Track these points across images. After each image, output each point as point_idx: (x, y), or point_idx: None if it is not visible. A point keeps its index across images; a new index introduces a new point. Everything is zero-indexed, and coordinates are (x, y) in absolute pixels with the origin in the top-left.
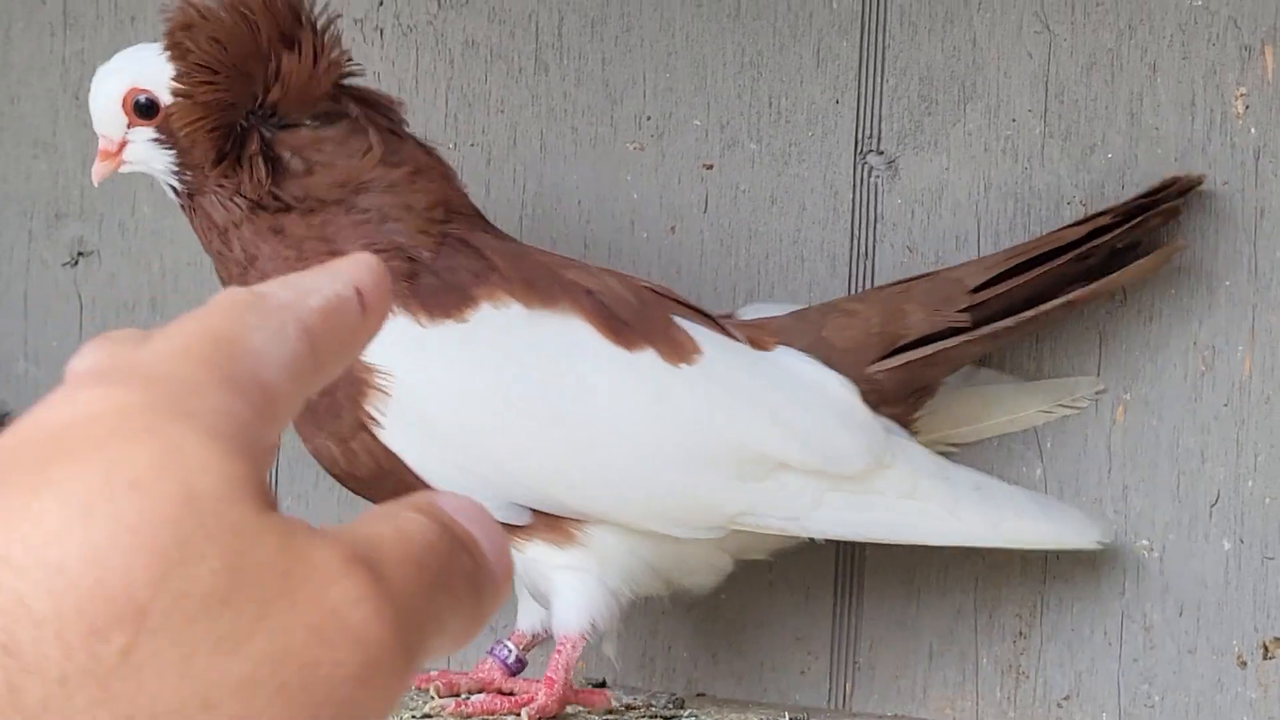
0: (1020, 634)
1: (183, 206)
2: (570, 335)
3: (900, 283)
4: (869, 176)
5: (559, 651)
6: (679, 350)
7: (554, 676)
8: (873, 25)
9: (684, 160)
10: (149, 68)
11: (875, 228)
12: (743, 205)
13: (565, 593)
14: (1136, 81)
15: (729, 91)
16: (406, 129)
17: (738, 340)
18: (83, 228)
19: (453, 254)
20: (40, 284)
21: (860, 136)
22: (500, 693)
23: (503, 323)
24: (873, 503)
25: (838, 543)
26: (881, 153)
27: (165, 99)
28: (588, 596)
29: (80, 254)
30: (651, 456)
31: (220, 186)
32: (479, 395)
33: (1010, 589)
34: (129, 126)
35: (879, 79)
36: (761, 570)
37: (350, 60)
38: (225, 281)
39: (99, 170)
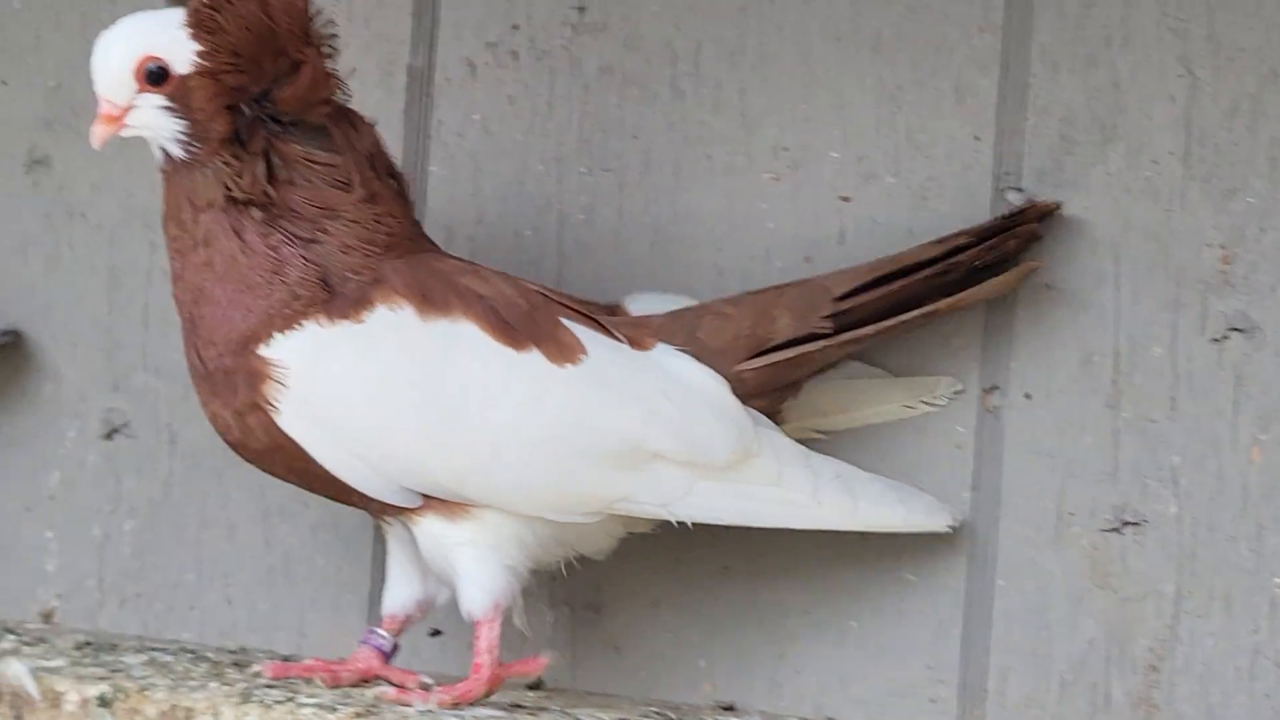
0: (1152, 667)
1: (166, 173)
2: (460, 336)
3: (773, 288)
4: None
5: (478, 636)
6: (564, 351)
7: (480, 661)
8: (1013, 63)
9: (820, 191)
10: (162, 36)
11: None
12: (879, 238)
13: (468, 573)
14: (1278, 127)
15: (867, 124)
16: (385, 151)
17: (619, 341)
18: None
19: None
20: (161, 296)
21: (999, 172)
22: (392, 683)
23: (395, 323)
24: (740, 490)
25: (969, 566)
26: (1021, 190)
27: (177, 68)
28: (489, 574)
29: None
30: (533, 450)
31: (224, 164)
32: (371, 389)
33: (1142, 622)
34: (138, 92)
35: (1019, 116)
36: (892, 598)
37: (341, 79)
38: (172, 256)
39: (100, 133)
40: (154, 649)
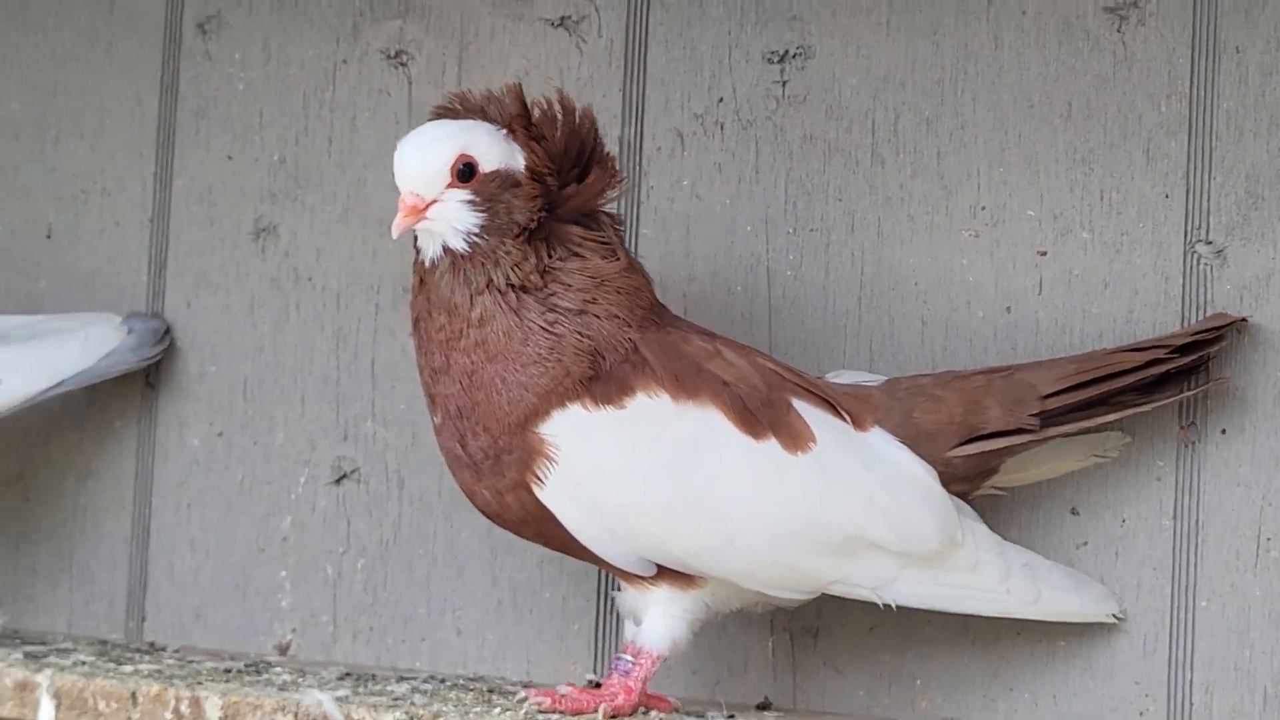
0: None
1: (431, 267)
2: (708, 425)
3: (979, 375)
4: (1198, 264)
5: (639, 665)
6: (796, 439)
7: (632, 686)
8: (1200, 128)
9: (1018, 247)
10: (477, 138)
11: (1204, 311)
12: (1076, 289)
13: (658, 619)
14: None
15: (1061, 185)
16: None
17: (844, 421)
18: None
19: (626, 356)
20: (387, 352)
21: (1189, 227)
22: (657, 709)
23: (653, 411)
24: (940, 577)
25: (1172, 589)
26: (1210, 243)
27: (484, 167)
28: (674, 624)
29: None
30: (765, 536)
31: (508, 254)
32: (627, 469)
33: None
34: (446, 187)
35: (1207, 176)
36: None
37: (622, 183)
38: (432, 351)
39: (402, 224)
40: (407, 678)
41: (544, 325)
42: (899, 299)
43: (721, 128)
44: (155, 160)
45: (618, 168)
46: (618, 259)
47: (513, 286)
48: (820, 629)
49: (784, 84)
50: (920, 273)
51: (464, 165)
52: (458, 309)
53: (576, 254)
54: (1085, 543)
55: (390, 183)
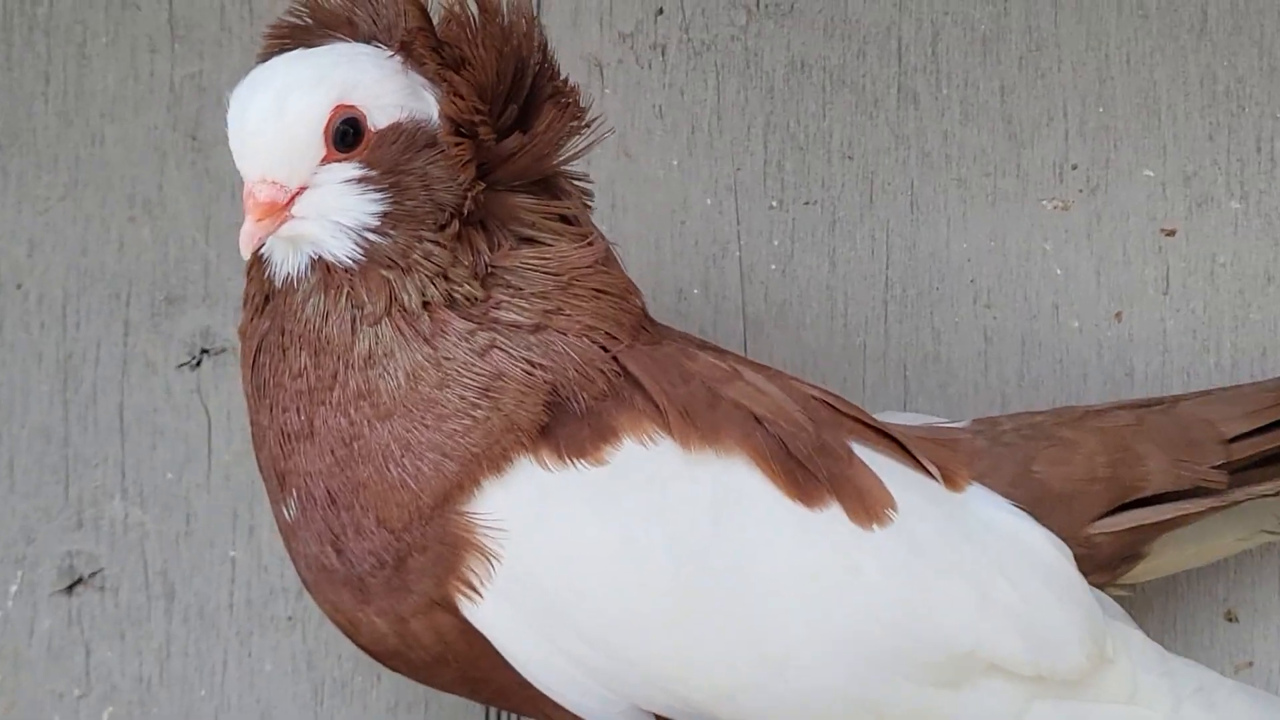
0: None
1: (302, 281)
2: (735, 485)
3: (1122, 410)
4: None
5: None
6: (868, 504)
7: None
8: None
9: (1131, 223)
10: (360, 75)
11: None
12: (1223, 284)
13: None
14: None
15: (1195, 131)
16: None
17: (929, 475)
18: (208, 315)
19: (607, 386)
20: (143, 393)
21: None
22: None
23: (650, 465)
24: (1083, 711)
25: None
26: None
27: (378, 120)
28: None
29: (205, 351)
30: (836, 657)
31: (428, 256)
32: (613, 563)
33: None
34: (322, 162)
35: None
36: None
37: (589, 124)
38: (284, 408)
39: (254, 232)
40: None
41: (471, 355)
42: (946, 303)
43: (662, 53)
44: None
45: (580, 98)
46: (589, 243)
47: (428, 305)
48: None
49: None
50: (979, 264)
51: (345, 123)
52: (330, 345)
53: (530, 239)
54: (1250, 662)
55: (148, 136)
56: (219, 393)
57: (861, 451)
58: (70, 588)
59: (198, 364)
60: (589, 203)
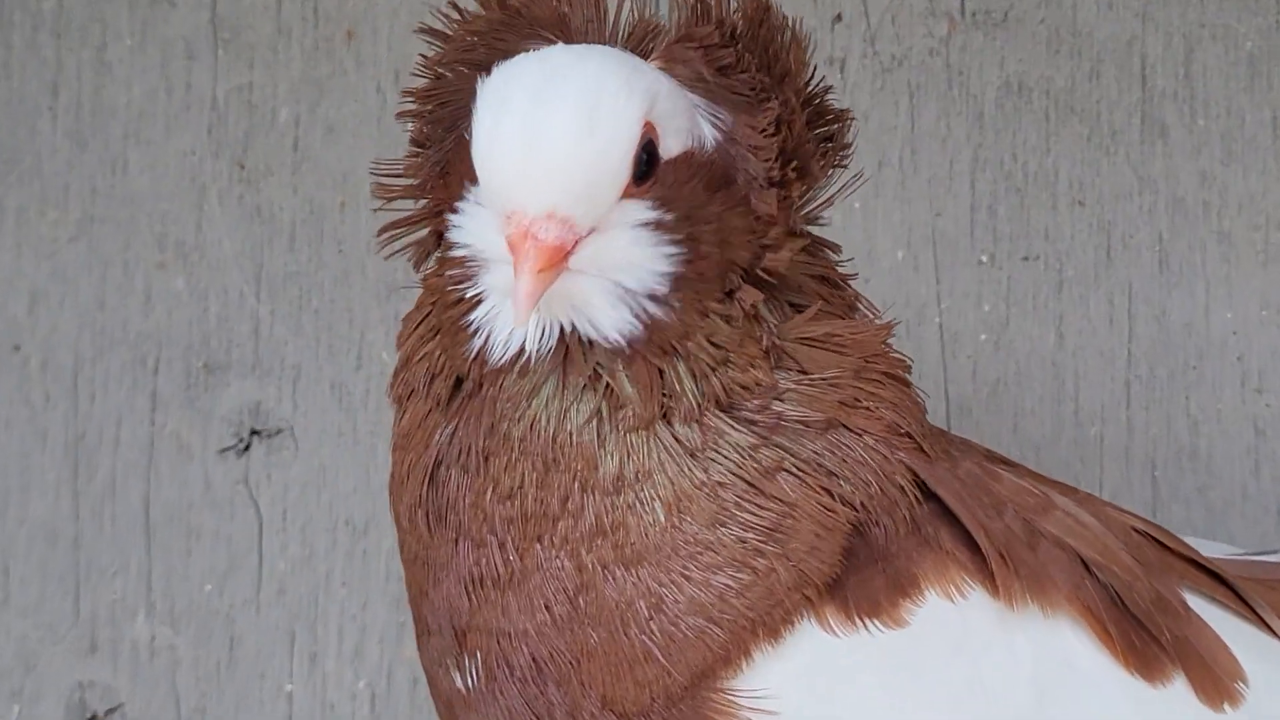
0: None
1: (571, 360)
2: (1064, 655)
3: None
4: None
5: None
6: (1215, 675)
7: None
8: None
9: None
10: (658, 86)
11: None
12: None
13: None
14: None
15: None
16: None
17: (1275, 637)
18: (258, 388)
19: (907, 514)
20: (176, 484)
21: None
22: None
23: (959, 629)
24: None
25: None
26: None
27: (669, 147)
28: None
29: (255, 433)
30: None
31: (708, 342)
32: None
33: None
34: (621, 198)
35: None
36: None
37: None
38: (466, 500)
39: (536, 289)
40: None
41: (756, 479)
42: (1206, 385)
43: (841, 68)
44: None
45: (849, 130)
46: (857, 310)
47: (703, 404)
48: None
49: None
50: (1247, 337)
51: (646, 145)
52: (564, 456)
53: (795, 305)
54: None
55: (185, 164)
56: (271, 485)
57: (1195, 603)
58: None
59: (246, 449)
60: (840, 259)
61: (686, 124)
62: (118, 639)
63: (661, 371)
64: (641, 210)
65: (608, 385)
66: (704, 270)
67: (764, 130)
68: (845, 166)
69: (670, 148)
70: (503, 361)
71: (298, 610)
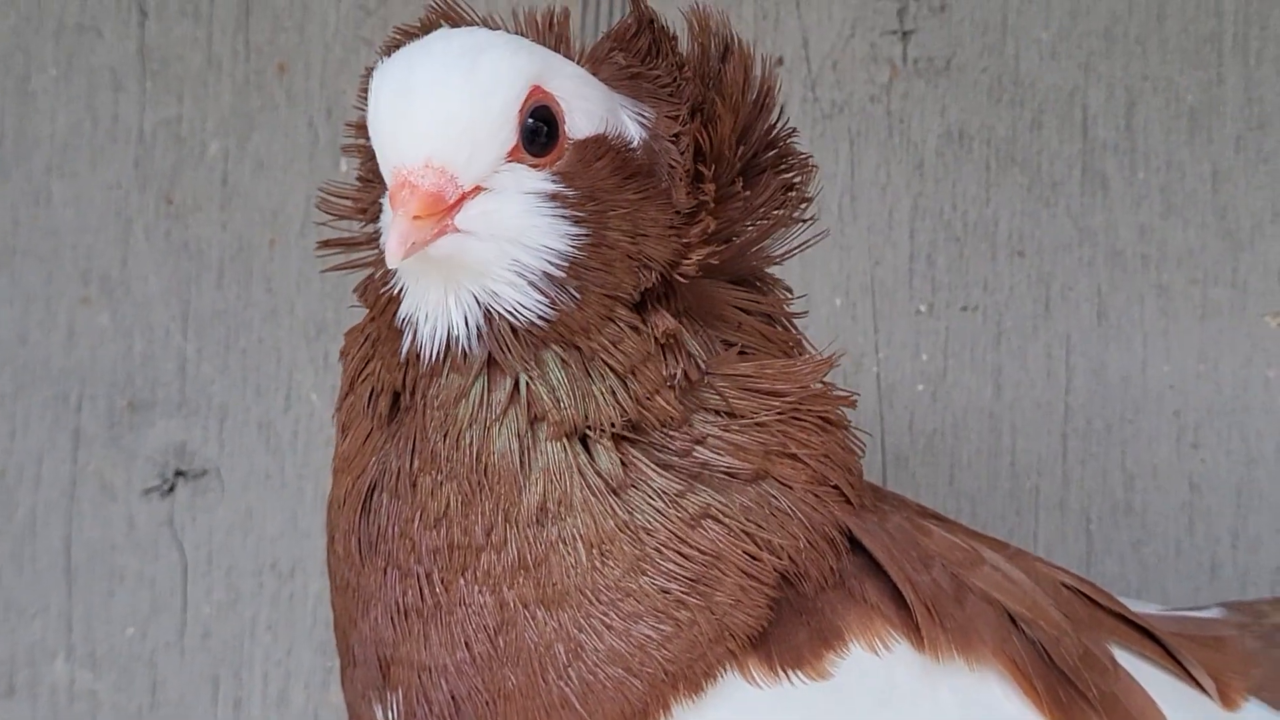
0: None
1: (462, 355)
2: (989, 708)
3: None
4: None
5: None
6: None
7: None
8: None
9: None
10: (561, 65)
11: None
12: None
13: None
14: None
15: None
16: None
17: (1204, 694)
18: (183, 428)
19: (833, 568)
20: (98, 524)
21: None
22: None
23: (883, 681)
24: None
25: None
26: None
27: (577, 126)
28: None
29: (180, 473)
30: None
31: (614, 347)
32: None
33: None
34: (507, 160)
35: None
36: None
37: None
38: (388, 523)
39: (409, 233)
40: None
41: (679, 526)
42: (1142, 440)
43: (781, 114)
44: None
45: (810, 176)
46: (803, 352)
47: (611, 425)
48: None
49: (903, 35)
50: (1184, 392)
51: (539, 115)
52: (489, 478)
53: (729, 343)
54: None
55: (113, 177)
56: (196, 527)
57: (1125, 659)
58: None
59: (170, 489)
60: (791, 299)
61: (601, 112)
62: (36, 682)
63: (566, 364)
64: (537, 179)
65: (529, 386)
66: (610, 260)
67: (679, 118)
68: (805, 221)
69: (579, 128)
70: (434, 359)
71: (222, 655)
